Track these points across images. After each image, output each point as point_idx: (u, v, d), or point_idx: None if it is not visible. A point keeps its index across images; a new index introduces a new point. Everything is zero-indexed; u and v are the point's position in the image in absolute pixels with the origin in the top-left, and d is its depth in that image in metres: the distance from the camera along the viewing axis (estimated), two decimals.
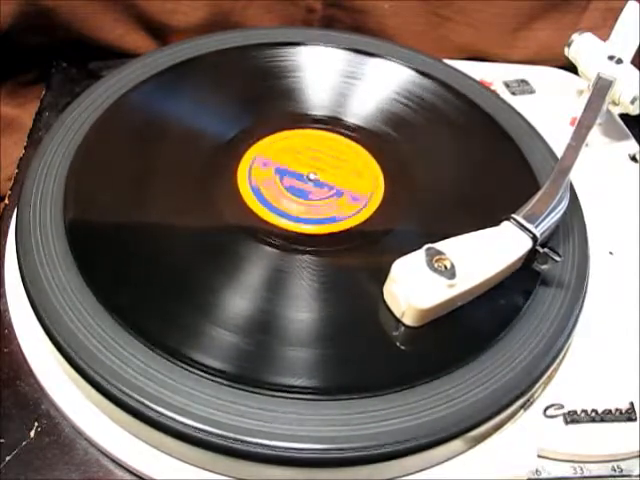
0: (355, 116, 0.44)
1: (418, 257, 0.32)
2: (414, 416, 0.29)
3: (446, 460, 0.31)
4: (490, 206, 0.38)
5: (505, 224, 0.34)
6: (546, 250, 0.34)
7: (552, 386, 0.34)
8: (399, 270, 0.32)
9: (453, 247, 0.33)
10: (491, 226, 0.34)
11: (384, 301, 0.33)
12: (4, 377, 0.32)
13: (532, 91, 0.51)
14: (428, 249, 0.32)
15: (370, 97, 0.45)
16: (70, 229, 0.35)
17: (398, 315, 0.32)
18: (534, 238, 0.34)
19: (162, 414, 0.28)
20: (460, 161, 0.42)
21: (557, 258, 0.33)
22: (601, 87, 0.40)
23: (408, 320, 0.32)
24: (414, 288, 0.31)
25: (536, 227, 0.34)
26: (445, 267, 0.32)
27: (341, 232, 0.37)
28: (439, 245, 0.33)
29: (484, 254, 0.33)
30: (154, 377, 0.29)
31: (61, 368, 0.32)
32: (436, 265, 0.32)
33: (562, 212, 0.36)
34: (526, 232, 0.34)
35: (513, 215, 0.34)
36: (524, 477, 0.31)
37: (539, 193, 0.36)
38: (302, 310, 0.33)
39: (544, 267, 0.34)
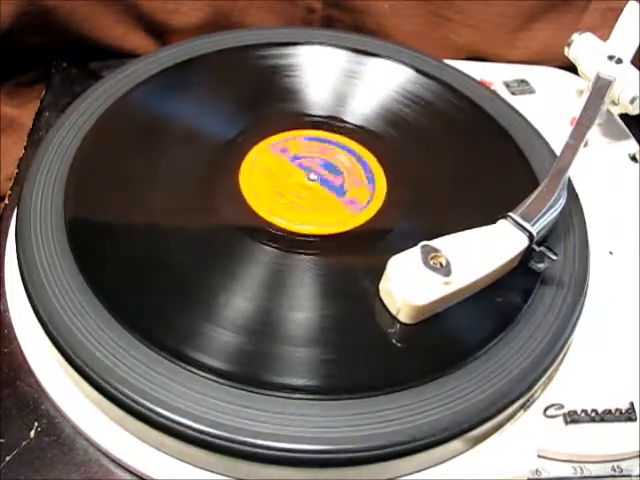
0: (355, 116, 0.44)
1: (414, 254, 0.32)
2: (414, 416, 0.29)
3: (446, 460, 0.31)
4: (491, 206, 0.38)
5: (501, 222, 0.34)
6: (542, 249, 0.34)
7: (552, 386, 0.34)
8: (394, 267, 0.32)
9: (449, 244, 0.33)
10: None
11: (380, 298, 0.33)
12: (4, 377, 0.32)
13: (532, 91, 0.51)
14: (424, 246, 0.32)
15: (370, 97, 0.45)
16: (70, 229, 0.35)
17: (394, 312, 0.32)
18: (530, 236, 0.34)
19: (162, 414, 0.28)
20: (460, 161, 0.42)
21: (553, 257, 0.33)
22: (600, 87, 0.40)
23: (403, 317, 0.32)
24: (409, 285, 0.31)
25: (532, 225, 0.34)
26: (441, 264, 0.32)
27: (341, 232, 0.37)
28: (435, 242, 0.33)
29: (480, 252, 0.33)
30: (154, 377, 0.29)
31: (61, 368, 0.32)
32: (432, 262, 0.32)
33: (559, 211, 0.36)
34: (522, 230, 0.34)
35: (510, 213, 0.34)
36: (524, 477, 0.31)
37: (536, 192, 0.36)
38: (301, 310, 0.33)
39: (540, 266, 0.34)
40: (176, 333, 0.31)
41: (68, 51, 0.50)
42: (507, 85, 0.51)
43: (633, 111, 0.45)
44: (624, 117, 0.49)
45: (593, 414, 0.33)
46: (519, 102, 0.47)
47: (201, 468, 0.30)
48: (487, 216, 0.35)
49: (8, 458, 0.30)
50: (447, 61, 0.49)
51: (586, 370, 0.35)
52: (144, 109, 0.42)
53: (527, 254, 0.34)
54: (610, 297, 0.38)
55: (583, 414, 0.33)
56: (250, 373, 0.30)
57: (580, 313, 0.35)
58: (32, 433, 0.31)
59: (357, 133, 0.43)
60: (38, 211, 0.35)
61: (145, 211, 0.37)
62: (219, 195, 0.38)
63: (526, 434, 0.32)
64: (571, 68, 0.50)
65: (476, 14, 0.53)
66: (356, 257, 0.36)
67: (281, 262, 0.35)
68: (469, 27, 0.54)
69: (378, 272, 0.33)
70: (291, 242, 0.36)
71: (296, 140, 0.42)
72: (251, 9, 0.52)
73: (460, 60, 0.53)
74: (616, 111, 0.47)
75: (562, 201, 0.36)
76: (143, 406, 0.29)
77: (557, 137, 0.42)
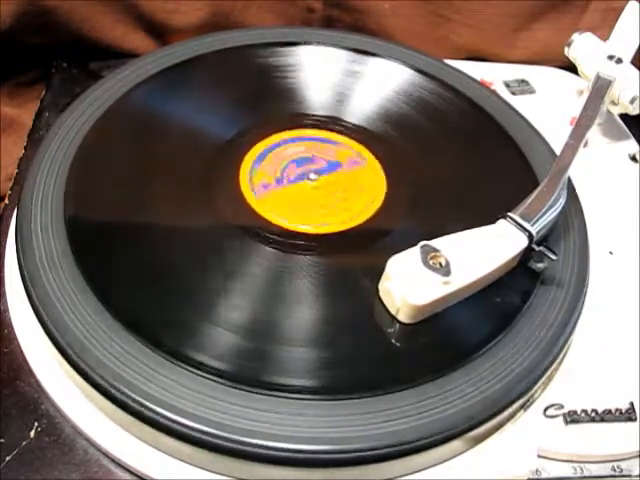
0: (355, 116, 0.44)
1: (413, 254, 0.32)
2: (414, 416, 0.29)
3: (446, 460, 0.31)
4: (491, 206, 0.38)
5: (501, 222, 0.34)
6: (542, 248, 0.34)
7: (552, 386, 0.34)
8: (394, 267, 0.32)
9: (448, 244, 0.33)
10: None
11: (379, 298, 0.33)
12: (4, 377, 0.32)
13: (532, 91, 0.51)
14: (423, 246, 0.32)
15: (370, 97, 0.45)
16: (70, 229, 0.34)
17: (393, 312, 0.32)
18: (530, 236, 0.34)
19: (162, 414, 0.28)
20: (460, 161, 0.42)
21: (553, 257, 0.33)
22: (600, 87, 0.40)
23: (403, 317, 0.32)
24: (409, 285, 0.31)
25: (532, 225, 0.34)
26: (440, 264, 0.32)
27: (341, 232, 0.37)
28: (434, 242, 0.33)
29: (479, 252, 0.33)
30: (154, 377, 0.29)
31: (61, 368, 0.32)
32: (431, 262, 0.32)
33: (559, 210, 0.36)
34: (522, 230, 0.34)
35: (509, 213, 0.34)
36: (524, 477, 0.31)
37: (536, 191, 0.36)
38: (301, 310, 0.33)
39: (540, 265, 0.34)
40: (176, 333, 0.31)
41: (68, 51, 0.50)
42: (507, 85, 0.51)
43: (633, 111, 0.45)
44: (624, 117, 0.49)
45: (593, 414, 0.33)
46: (519, 102, 0.47)
47: (201, 468, 0.30)
48: (487, 216, 0.35)
49: (8, 458, 0.30)
50: (447, 61, 0.49)
51: (586, 370, 0.35)
52: (144, 109, 0.42)
53: (527, 254, 0.34)
54: (610, 297, 0.38)
55: (583, 414, 0.33)
56: (250, 373, 0.30)
57: (580, 313, 0.35)
58: (32, 433, 0.31)
59: (357, 133, 0.43)
60: (38, 211, 0.35)
61: (145, 211, 0.37)
62: (219, 195, 0.38)
63: (526, 434, 0.32)
64: (571, 68, 0.50)
65: (476, 14, 0.53)
66: (356, 257, 0.36)
67: (281, 262, 0.35)
68: (469, 27, 0.54)
69: (378, 272, 0.33)
70: (291, 242, 0.36)
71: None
72: (251, 9, 0.52)
73: (460, 60, 0.53)
74: (616, 111, 0.47)
75: (562, 201, 0.36)
76: (143, 406, 0.29)
77: (557, 137, 0.42)
